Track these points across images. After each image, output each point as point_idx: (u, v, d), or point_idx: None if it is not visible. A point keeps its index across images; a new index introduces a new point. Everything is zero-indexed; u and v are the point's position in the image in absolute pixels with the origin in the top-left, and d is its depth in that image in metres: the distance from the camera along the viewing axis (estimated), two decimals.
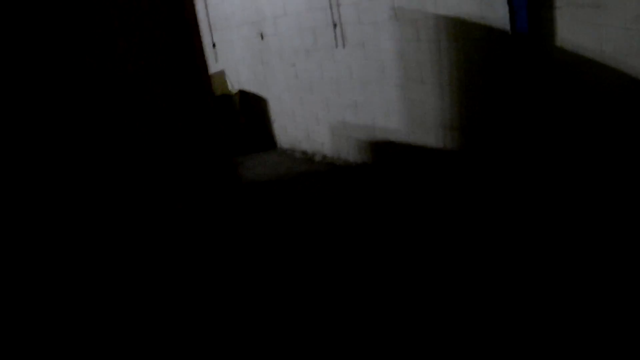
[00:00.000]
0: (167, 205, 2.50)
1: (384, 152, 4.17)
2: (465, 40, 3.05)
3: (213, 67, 6.40)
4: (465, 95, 3.19)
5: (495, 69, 2.95)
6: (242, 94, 5.98)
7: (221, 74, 6.09)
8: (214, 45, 6.19)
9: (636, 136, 2.40)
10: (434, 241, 2.79)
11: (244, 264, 2.95)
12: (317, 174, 4.57)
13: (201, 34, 2.84)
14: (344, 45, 4.06)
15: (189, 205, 2.63)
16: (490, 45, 2.91)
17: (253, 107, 5.92)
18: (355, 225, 3.22)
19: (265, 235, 3.36)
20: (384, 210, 3.37)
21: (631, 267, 2.16)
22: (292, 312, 2.36)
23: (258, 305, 2.47)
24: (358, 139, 4.38)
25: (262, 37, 5.12)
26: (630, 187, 2.52)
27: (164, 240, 2.51)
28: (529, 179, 3.03)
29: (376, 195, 3.68)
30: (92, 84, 2.18)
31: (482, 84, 3.06)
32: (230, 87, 6.20)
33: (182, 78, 2.58)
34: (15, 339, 1.98)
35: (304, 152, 5.26)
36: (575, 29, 2.47)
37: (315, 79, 4.56)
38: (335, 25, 4.08)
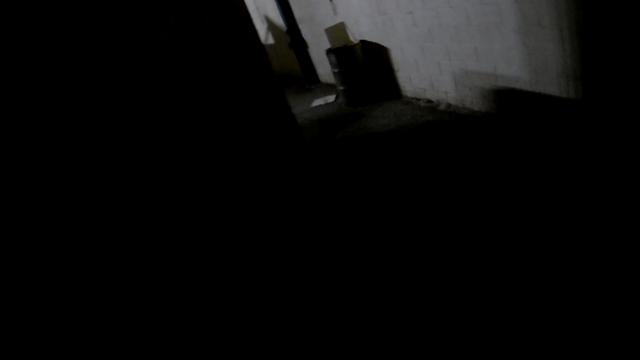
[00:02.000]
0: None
1: (506, 101, 3.95)
2: None
3: (332, 20, 6.55)
4: (587, 40, 2.83)
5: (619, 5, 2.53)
6: (364, 44, 6.06)
7: (341, 26, 6.23)
8: None
9: None
10: (548, 210, 2.72)
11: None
12: (439, 124, 4.57)
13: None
14: None
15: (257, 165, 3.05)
16: None
17: (375, 57, 5.98)
18: (468, 185, 3.27)
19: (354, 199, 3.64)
20: (499, 167, 3.31)
21: None
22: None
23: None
24: (481, 87, 4.19)
25: None
26: None
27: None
28: None
29: (494, 150, 3.59)
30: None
31: (606, 24, 2.67)
32: (352, 39, 6.32)
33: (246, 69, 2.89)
34: (23, 332, 2.18)
35: (429, 101, 5.22)
36: None
37: (434, 27, 4.41)
38: None
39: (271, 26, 9.92)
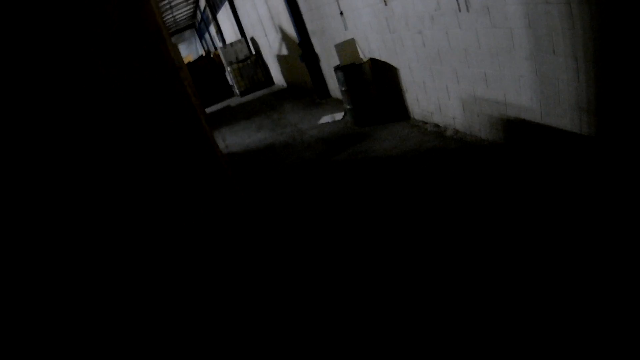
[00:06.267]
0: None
1: (515, 131, 3.77)
2: (600, 4, 2.50)
3: (342, 36, 6.48)
4: (604, 71, 2.65)
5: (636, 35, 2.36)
6: (373, 62, 5.95)
7: (351, 42, 6.14)
8: (341, 13, 6.22)
9: None
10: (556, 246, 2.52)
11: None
12: (445, 152, 4.41)
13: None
14: (467, 9, 3.69)
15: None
16: (630, 7, 2.33)
17: (384, 75, 5.86)
18: (466, 219, 3.08)
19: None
20: (501, 202, 3.12)
21: None
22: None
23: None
24: (490, 115, 4.02)
25: (385, 3, 4.95)
26: None
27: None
28: None
29: (498, 183, 3.40)
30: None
31: (625, 55, 2.49)
32: (361, 55, 6.22)
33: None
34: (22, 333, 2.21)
35: (436, 125, 5.06)
36: None
37: (443, 48, 4.28)
38: None
39: (285, 37, 9.92)
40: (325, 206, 4.18)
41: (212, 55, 15.09)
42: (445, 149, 4.46)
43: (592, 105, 2.86)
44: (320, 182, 4.78)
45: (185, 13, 25.26)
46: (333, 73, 7.89)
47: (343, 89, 6.15)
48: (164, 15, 21.29)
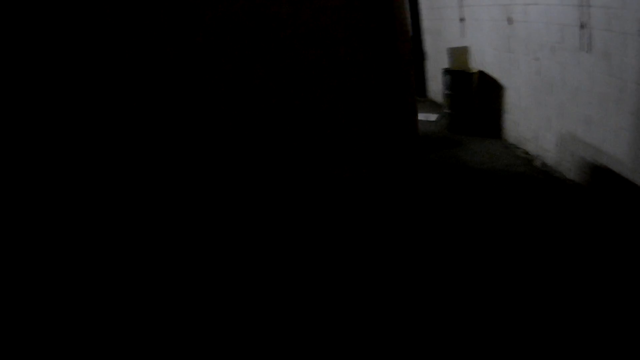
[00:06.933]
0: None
1: (602, 179, 3.85)
2: None
3: (458, 41, 6.62)
4: None
5: None
6: (482, 74, 6.07)
7: (465, 49, 6.30)
8: (462, 19, 6.35)
9: None
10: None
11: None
12: (531, 179, 4.55)
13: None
14: (589, 50, 3.78)
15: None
16: None
17: (489, 91, 5.97)
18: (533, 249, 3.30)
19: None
20: (572, 244, 3.30)
21: None
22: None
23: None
24: (582, 157, 4.11)
25: (509, 22, 5.07)
26: None
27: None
28: None
29: (575, 225, 3.56)
30: None
31: None
32: (471, 65, 6.35)
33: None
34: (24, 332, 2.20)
35: (526, 153, 5.17)
36: None
37: (556, 81, 4.38)
38: (582, 26, 3.82)
39: None
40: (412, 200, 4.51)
41: None
42: (533, 177, 4.59)
43: None
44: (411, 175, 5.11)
45: None
46: (436, 74, 8.03)
47: (447, 92, 6.34)
48: None
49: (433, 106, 8.17)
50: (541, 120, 4.77)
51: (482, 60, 6.03)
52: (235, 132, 2.71)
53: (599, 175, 3.89)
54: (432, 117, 7.50)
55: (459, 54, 6.36)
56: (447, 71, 6.22)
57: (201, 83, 2.60)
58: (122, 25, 2.42)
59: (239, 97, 2.65)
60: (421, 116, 7.69)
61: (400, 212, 3.02)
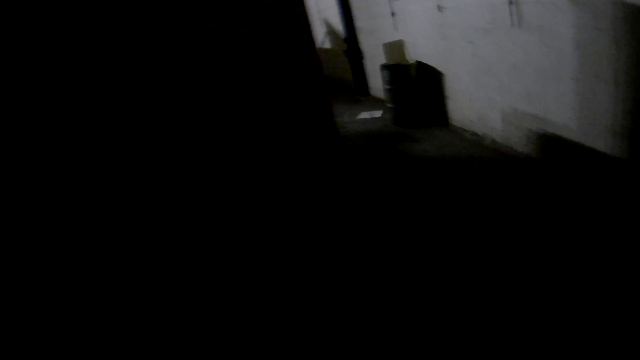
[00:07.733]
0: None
1: (551, 148, 4.02)
2: None
3: (392, 36, 6.76)
4: None
5: None
6: (420, 65, 6.22)
7: (400, 43, 6.43)
8: (393, 14, 6.50)
9: None
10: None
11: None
12: (481, 160, 4.68)
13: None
14: (520, 26, 3.95)
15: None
16: None
17: (429, 80, 6.13)
18: (494, 224, 3.37)
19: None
20: (530, 214, 3.39)
21: None
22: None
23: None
24: (528, 129, 4.28)
25: (440, 10, 5.22)
26: None
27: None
28: None
29: (530, 195, 3.67)
30: None
31: None
32: (408, 57, 6.50)
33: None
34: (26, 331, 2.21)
35: (474, 134, 5.32)
36: None
37: (493, 61, 4.54)
38: (511, 2, 3.99)
39: (330, 31, 10.23)
40: (361, 196, 4.49)
41: None
42: (482, 157, 4.73)
43: (626, 130, 3.10)
44: (361, 173, 5.10)
45: None
46: (375, 72, 8.17)
47: (387, 87, 6.44)
48: None
49: (377, 103, 8.29)
50: (484, 101, 4.93)
51: (417, 51, 6.18)
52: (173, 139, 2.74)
53: (548, 144, 4.05)
54: (377, 113, 7.60)
55: (394, 48, 6.50)
56: (384, 67, 6.33)
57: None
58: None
59: (170, 104, 2.66)
60: (365, 114, 7.78)
61: (328, 207, 3.13)
